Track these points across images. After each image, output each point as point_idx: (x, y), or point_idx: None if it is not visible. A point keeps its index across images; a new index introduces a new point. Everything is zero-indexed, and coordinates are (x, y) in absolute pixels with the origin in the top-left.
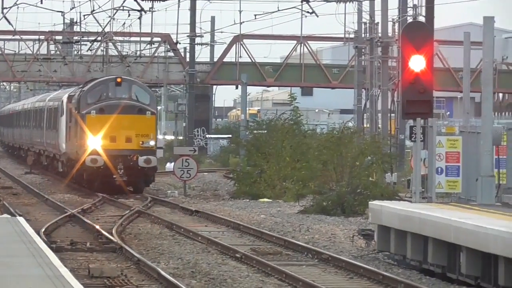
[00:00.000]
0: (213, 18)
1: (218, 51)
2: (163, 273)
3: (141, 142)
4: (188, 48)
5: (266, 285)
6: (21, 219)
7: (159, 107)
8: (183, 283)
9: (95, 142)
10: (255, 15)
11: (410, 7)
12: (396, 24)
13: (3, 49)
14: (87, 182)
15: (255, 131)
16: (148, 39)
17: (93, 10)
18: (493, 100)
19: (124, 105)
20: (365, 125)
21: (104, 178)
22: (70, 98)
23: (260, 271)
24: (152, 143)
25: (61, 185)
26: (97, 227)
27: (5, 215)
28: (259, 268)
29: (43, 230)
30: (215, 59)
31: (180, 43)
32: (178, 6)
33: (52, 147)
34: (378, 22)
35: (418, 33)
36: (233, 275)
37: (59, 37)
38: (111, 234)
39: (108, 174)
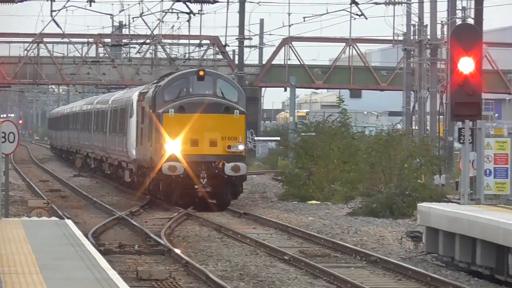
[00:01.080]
0: (262, 21)
1: (267, 53)
2: (211, 275)
3: (228, 146)
4: (236, 50)
5: (315, 287)
6: (69, 222)
7: None
8: (231, 285)
9: (173, 146)
10: (304, 18)
11: (459, 9)
12: (445, 26)
13: (52, 52)
14: (163, 194)
15: (303, 134)
16: (197, 41)
17: (142, 13)
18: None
19: (208, 103)
20: (413, 127)
21: (184, 189)
22: (141, 95)
23: (309, 273)
24: (241, 147)
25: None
26: (146, 229)
27: (54, 218)
28: (307, 270)
29: (91, 232)
30: (264, 62)
31: (229, 46)
32: (227, 9)
33: (118, 153)
34: (427, 24)
35: (467, 35)
36: (281, 277)
37: (108, 40)
38: (159, 236)
39: (189, 184)
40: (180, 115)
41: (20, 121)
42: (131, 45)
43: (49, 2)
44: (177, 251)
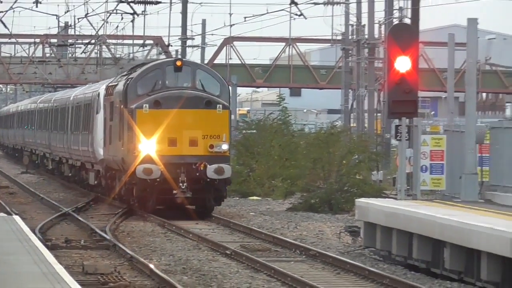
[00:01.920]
0: (204, 21)
1: (209, 53)
2: (155, 269)
3: (210, 146)
4: (179, 50)
5: (255, 281)
6: (17, 218)
7: None
8: (174, 279)
9: (148, 146)
10: (245, 18)
11: (396, 10)
12: (382, 26)
13: None
14: (137, 200)
15: (244, 131)
16: (141, 41)
17: (87, 14)
18: (477, 99)
19: (188, 97)
20: (352, 125)
21: (161, 195)
22: (110, 89)
23: (250, 267)
24: (225, 146)
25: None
26: (91, 225)
27: (2, 214)
28: (248, 264)
29: (38, 228)
30: (206, 61)
31: (172, 46)
32: (170, 10)
33: (81, 153)
34: (364, 24)
35: (404, 35)
36: (223, 271)
37: (54, 40)
38: (105, 231)
39: (167, 189)
40: (156, 111)
41: None
42: (76, 45)
43: None
44: (122, 246)
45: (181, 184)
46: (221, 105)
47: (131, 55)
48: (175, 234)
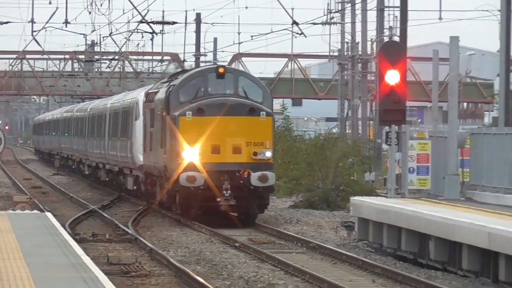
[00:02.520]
0: (215, 39)
1: None
2: (172, 260)
3: (253, 153)
4: (194, 65)
5: (261, 270)
6: (49, 215)
7: None
8: (189, 268)
9: (192, 154)
10: (252, 36)
11: (387, 29)
12: (374, 43)
13: (33, 67)
14: (180, 208)
15: None
16: (159, 57)
17: (111, 33)
18: (458, 108)
19: (231, 104)
20: (347, 131)
21: (205, 202)
22: (150, 96)
23: (256, 258)
24: (268, 154)
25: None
26: (115, 221)
27: (35, 211)
28: (255, 256)
29: (68, 223)
30: None
31: (187, 61)
32: (185, 29)
33: (119, 159)
34: (358, 42)
35: (393, 51)
36: (233, 261)
37: (81, 56)
38: (127, 226)
39: (210, 197)
40: (199, 118)
41: (7, 127)
42: (102, 61)
43: (30, 23)
44: (142, 239)
45: (224, 192)
46: (264, 112)
47: (151, 70)
48: (189, 228)
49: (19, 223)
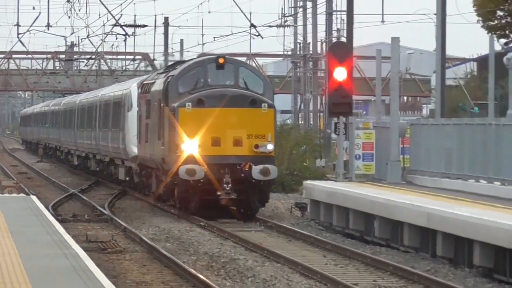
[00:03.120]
0: (181, 41)
1: None
2: (144, 238)
3: (255, 146)
4: (162, 64)
5: (224, 247)
6: (34, 198)
7: None
8: (159, 245)
9: (192, 146)
10: (214, 38)
11: (335, 31)
12: (324, 44)
13: (19, 66)
14: (179, 201)
15: None
16: (131, 57)
17: (88, 35)
18: (399, 102)
19: (232, 95)
20: (300, 122)
21: (204, 196)
22: (145, 87)
23: (219, 236)
24: (270, 146)
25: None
26: (93, 203)
27: (22, 194)
28: (218, 234)
29: (51, 205)
30: None
31: (156, 60)
32: (155, 31)
33: (111, 150)
34: (309, 42)
35: (341, 51)
36: (199, 239)
37: (62, 56)
38: (104, 208)
39: (210, 190)
40: (199, 110)
41: None
42: (80, 60)
43: (16, 27)
44: (117, 219)
45: (225, 185)
46: (266, 104)
47: (124, 68)
48: (159, 210)
49: (6, 205)
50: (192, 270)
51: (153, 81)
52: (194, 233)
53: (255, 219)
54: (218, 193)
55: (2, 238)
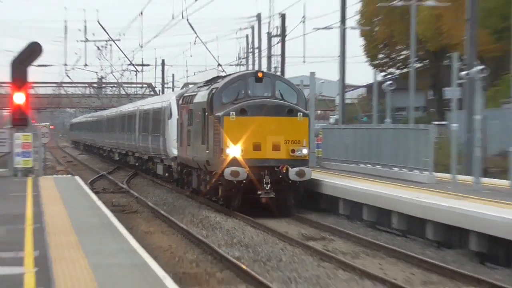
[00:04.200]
0: (173, 75)
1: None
2: (149, 203)
3: (291, 150)
4: (160, 89)
5: (201, 210)
6: (77, 177)
7: None
8: (160, 208)
9: (235, 151)
10: (194, 72)
11: (273, 67)
12: None
13: (66, 91)
14: (224, 199)
15: None
16: (140, 85)
17: (112, 71)
18: (315, 114)
19: (271, 105)
20: None
21: (247, 195)
22: (187, 98)
23: (198, 202)
24: (305, 151)
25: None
26: (116, 180)
27: (69, 175)
28: (197, 201)
29: (88, 182)
30: None
31: (156, 87)
32: (155, 68)
33: (150, 150)
34: None
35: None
36: (185, 204)
37: (94, 85)
38: (123, 184)
39: (252, 190)
40: (242, 118)
41: (52, 127)
42: (106, 87)
43: (64, 65)
44: (132, 191)
45: (265, 185)
46: (301, 113)
47: (136, 92)
48: (159, 185)
49: (59, 182)
50: (180, 224)
51: (194, 93)
52: (182, 201)
53: (290, 215)
54: (259, 192)
55: (56, 204)
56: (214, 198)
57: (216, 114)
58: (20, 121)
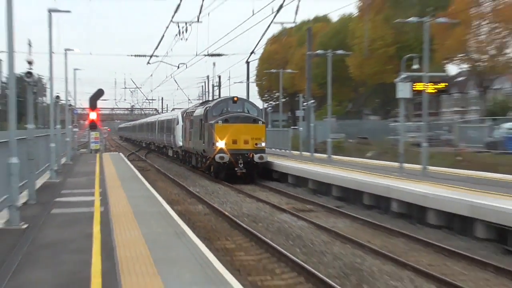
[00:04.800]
0: (167, 105)
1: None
2: (156, 166)
3: (255, 144)
4: (161, 111)
5: (202, 179)
6: (121, 154)
7: None
8: (161, 168)
9: (222, 144)
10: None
11: None
12: None
13: (115, 112)
14: (214, 173)
15: None
16: (151, 110)
17: (137, 102)
18: None
19: (243, 117)
20: None
21: (228, 171)
22: (188, 114)
23: (201, 172)
24: (263, 144)
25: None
26: (139, 155)
27: (116, 152)
28: (199, 172)
29: (126, 156)
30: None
31: (158, 111)
32: (159, 102)
33: (165, 142)
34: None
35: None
36: (189, 174)
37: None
38: (144, 156)
39: (231, 167)
40: (226, 125)
41: (109, 129)
42: (135, 109)
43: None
44: (149, 160)
45: (240, 165)
46: (261, 121)
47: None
48: (166, 156)
49: (112, 156)
50: (169, 175)
51: (193, 110)
52: (184, 169)
53: (254, 183)
54: (236, 169)
55: (110, 166)
56: (207, 172)
57: (209, 122)
58: (93, 126)
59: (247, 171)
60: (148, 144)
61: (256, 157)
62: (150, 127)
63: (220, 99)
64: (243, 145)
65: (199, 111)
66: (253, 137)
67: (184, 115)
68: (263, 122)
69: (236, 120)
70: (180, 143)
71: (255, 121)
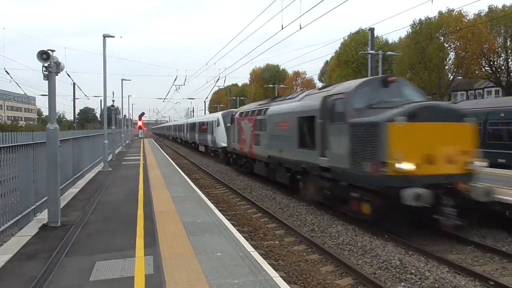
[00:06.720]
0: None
1: None
2: (193, 160)
3: (466, 163)
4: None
5: (215, 163)
6: (152, 139)
7: None
8: (196, 162)
9: (407, 165)
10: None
11: None
12: None
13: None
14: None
15: None
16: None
17: (159, 117)
18: None
19: (440, 109)
20: None
21: (412, 215)
22: (245, 114)
23: (214, 158)
24: (478, 164)
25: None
26: (173, 148)
27: (150, 139)
28: (213, 158)
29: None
30: None
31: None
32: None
33: (206, 142)
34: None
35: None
36: (207, 162)
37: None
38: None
39: (425, 212)
40: (415, 125)
41: (145, 129)
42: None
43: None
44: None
45: (445, 208)
46: (466, 118)
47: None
48: (192, 148)
49: (147, 140)
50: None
51: (261, 108)
52: (205, 159)
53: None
54: (436, 216)
55: (151, 155)
56: (243, 169)
57: (377, 121)
58: (140, 128)
59: (462, 220)
60: (180, 139)
61: (477, 190)
62: (180, 128)
63: (361, 80)
64: (445, 166)
65: (300, 105)
66: (460, 149)
67: (238, 116)
68: (469, 118)
69: (431, 115)
70: (222, 144)
71: (459, 117)
